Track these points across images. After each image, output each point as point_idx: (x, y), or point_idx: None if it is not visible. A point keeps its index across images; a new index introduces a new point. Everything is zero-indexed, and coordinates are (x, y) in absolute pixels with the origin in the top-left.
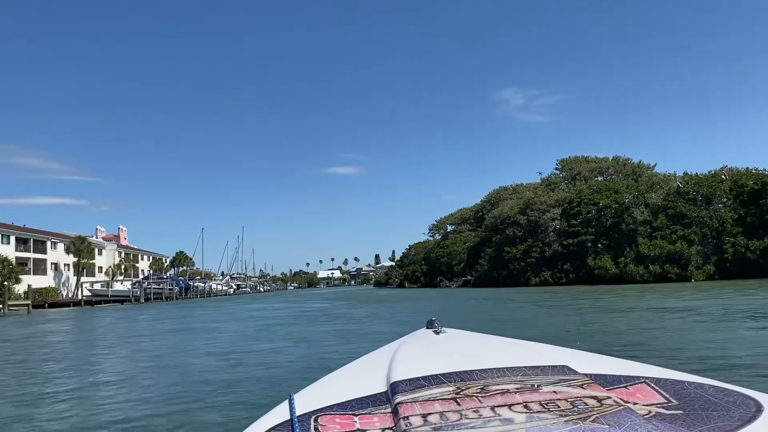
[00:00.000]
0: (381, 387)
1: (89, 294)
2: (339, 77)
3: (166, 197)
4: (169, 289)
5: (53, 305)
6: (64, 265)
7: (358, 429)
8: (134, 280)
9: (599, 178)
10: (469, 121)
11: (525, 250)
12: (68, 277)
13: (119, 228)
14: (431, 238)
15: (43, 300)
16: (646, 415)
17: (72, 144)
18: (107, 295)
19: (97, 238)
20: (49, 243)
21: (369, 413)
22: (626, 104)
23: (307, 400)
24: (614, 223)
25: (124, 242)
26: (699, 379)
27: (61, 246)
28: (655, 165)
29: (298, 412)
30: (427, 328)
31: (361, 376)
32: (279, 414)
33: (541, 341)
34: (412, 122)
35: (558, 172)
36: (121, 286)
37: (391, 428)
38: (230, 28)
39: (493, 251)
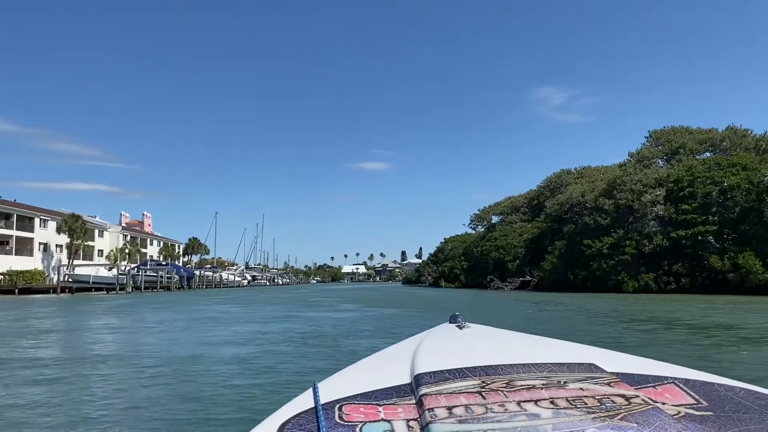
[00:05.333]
0: (405, 379)
1: (69, 280)
2: (375, 71)
3: (197, 185)
4: (168, 278)
5: (25, 291)
6: (56, 246)
7: (382, 419)
8: (131, 266)
9: (707, 154)
10: (504, 119)
11: (613, 244)
12: (60, 260)
13: (144, 214)
14: (472, 231)
15: (12, 286)
16: (675, 415)
17: (113, 131)
18: (88, 282)
19: (121, 223)
20: (37, 220)
21: (393, 404)
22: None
23: (331, 388)
24: (748, 209)
25: (148, 229)
26: (729, 381)
27: (52, 224)
28: None
29: (322, 400)
30: (450, 322)
31: (385, 368)
32: (303, 402)
33: None
34: (444, 120)
35: (650, 145)
36: (107, 272)
37: (415, 419)
38: (262, 18)
39: (564, 245)
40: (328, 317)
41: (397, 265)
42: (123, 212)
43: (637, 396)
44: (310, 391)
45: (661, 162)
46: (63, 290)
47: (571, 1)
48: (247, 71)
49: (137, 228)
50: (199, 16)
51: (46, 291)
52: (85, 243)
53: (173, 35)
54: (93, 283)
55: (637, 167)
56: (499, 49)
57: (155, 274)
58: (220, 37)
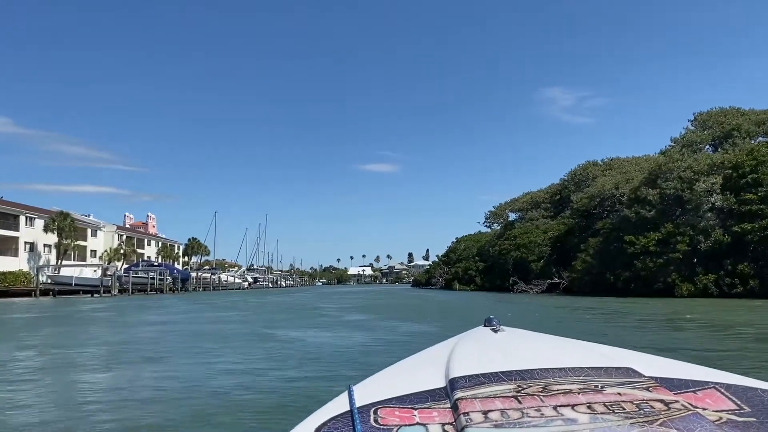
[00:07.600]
0: (440, 382)
1: (49, 282)
2: (381, 72)
3: (203, 187)
4: (160, 280)
5: (3, 294)
6: (44, 246)
7: (417, 423)
8: (117, 266)
9: (760, 139)
10: (512, 121)
11: (661, 240)
12: (48, 260)
13: (148, 215)
14: (487, 229)
15: None
16: (716, 421)
17: (119, 133)
18: (71, 284)
19: (125, 224)
20: (23, 218)
21: (428, 407)
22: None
23: (367, 392)
24: None
25: (152, 230)
26: None
27: (39, 223)
28: None
29: (358, 403)
30: (485, 326)
31: (420, 371)
32: (338, 405)
33: None
34: (450, 121)
35: (695, 129)
36: (91, 273)
37: (450, 423)
38: (266, 18)
39: (599, 242)
40: (323, 344)
41: (404, 267)
42: (127, 213)
43: (676, 401)
44: (345, 394)
45: (709, 148)
46: (45, 293)
47: (579, 1)
48: (252, 72)
49: (141, 229)
50: (205, 17)
51: (27, 294)
52: (76, 243)
53: (177, 36)
54: (76, 285)
55: (685, 153)
56: (506, 50)
57: (146, 276)
58: (224, 38)
